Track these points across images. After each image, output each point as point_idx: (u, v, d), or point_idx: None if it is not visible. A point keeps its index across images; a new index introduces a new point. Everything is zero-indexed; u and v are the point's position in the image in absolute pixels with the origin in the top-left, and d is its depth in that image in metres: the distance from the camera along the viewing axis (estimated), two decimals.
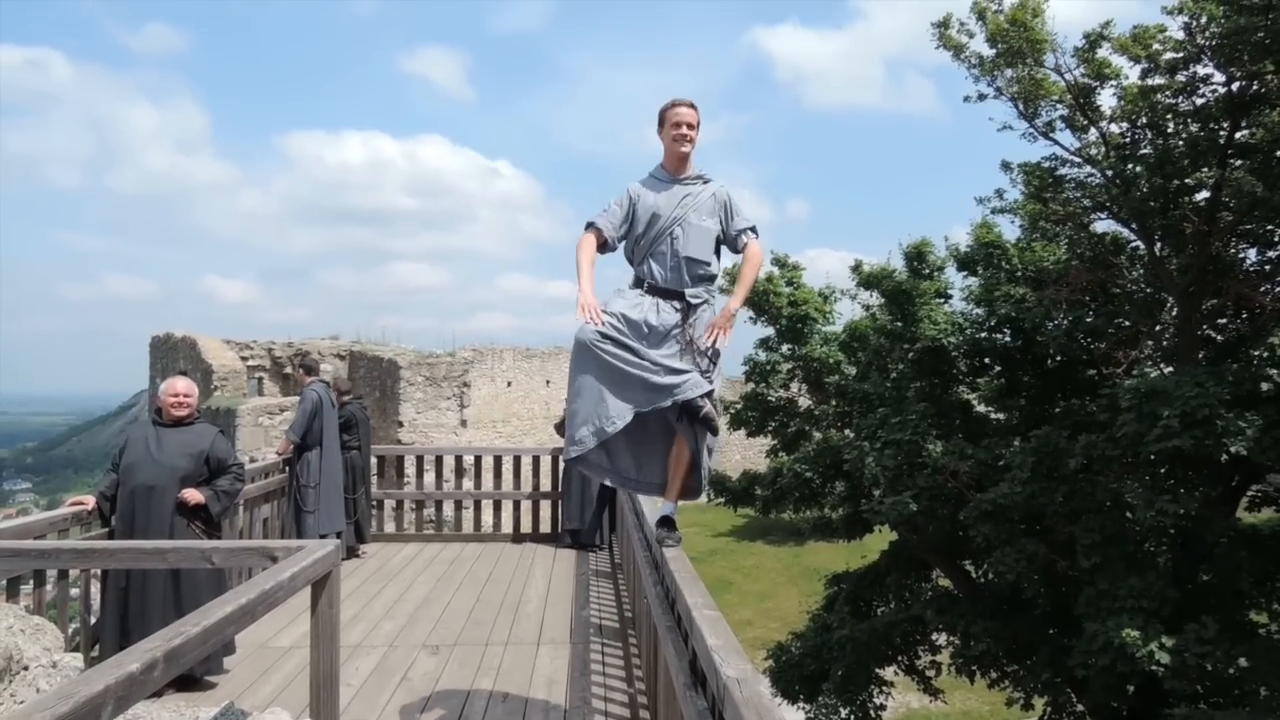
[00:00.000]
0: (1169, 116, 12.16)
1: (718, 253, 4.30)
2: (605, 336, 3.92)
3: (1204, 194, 11.96)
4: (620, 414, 3.92)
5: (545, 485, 10.24)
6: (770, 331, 17.36)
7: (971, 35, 13.21)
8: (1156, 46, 12.01)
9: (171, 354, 24.48)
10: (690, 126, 4.18)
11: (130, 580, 5.12)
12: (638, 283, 4.21)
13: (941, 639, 14.97)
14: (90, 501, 5.40)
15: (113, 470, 5.44)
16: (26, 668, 3.02)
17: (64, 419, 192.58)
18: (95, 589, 5.46)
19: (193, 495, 5.30)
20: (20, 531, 4.88)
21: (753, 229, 4.29)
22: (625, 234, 4.25)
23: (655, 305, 4.08)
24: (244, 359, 23.60)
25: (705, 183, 4.27)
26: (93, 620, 5.32)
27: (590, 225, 4.19)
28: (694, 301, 4.12)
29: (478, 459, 10.44)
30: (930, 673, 15.55)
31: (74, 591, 5.55)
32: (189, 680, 5.10)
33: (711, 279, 4.24)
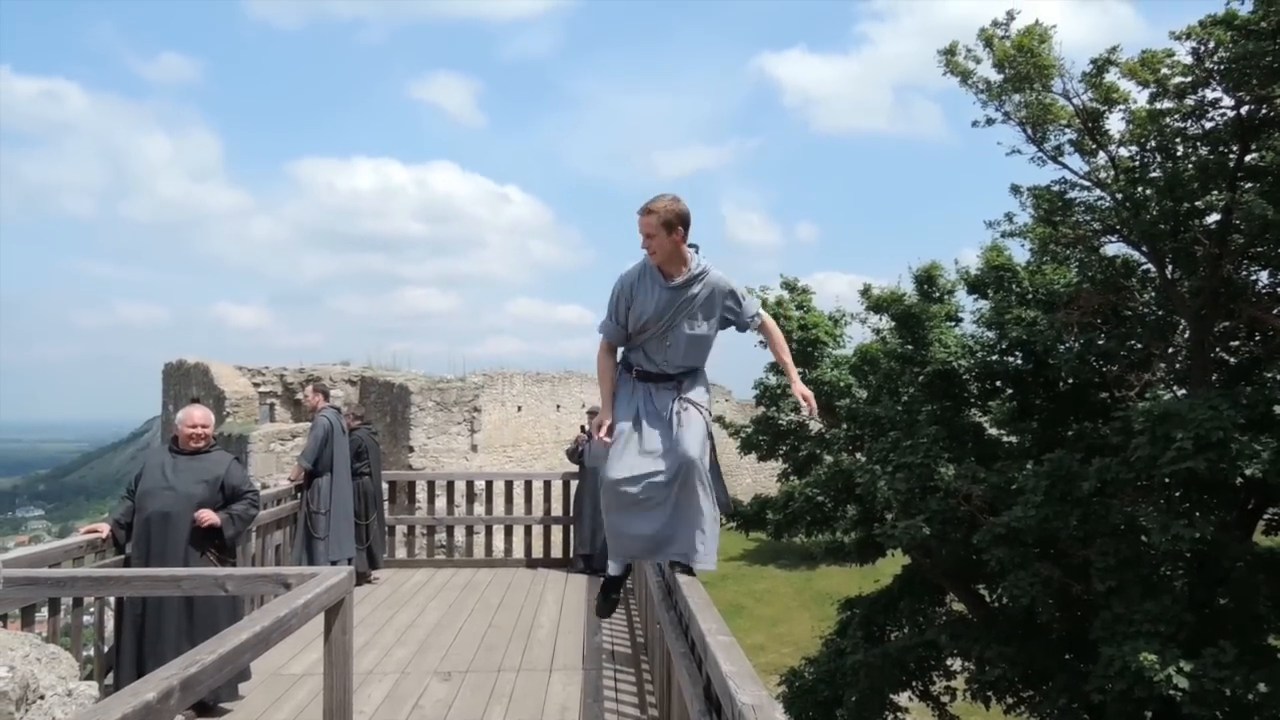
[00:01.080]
0: (1178, 140, 12.20)
1: (709, 346, 4.26)
2: (623, 480, 4.02)
3: (1214, 217, 11.97)
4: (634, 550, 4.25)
5: (556, 510, 10.23)
6: None
7: (978, 61, 13.29)
8: (1165, 71, 12.06)
9: (184, 380, 24.57)
10: (649, 236, 3.93)
11: (146, 607, 5.12)
12: (627, 367, 4.24)
13: (956, 664, 14.86)
14: (105, 529, 5.40)
15: (128, 497, 5.45)
16: (43, 696, 3.03)
17: (76, 446, 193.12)
18: (109, 616, 5.47)
19: (207, 516, 5.30)
20: (36, 560, 4.89)
21: (762, 308, 4.30)
22: (629, 335, 4.22)
23: (648, 391, 4.14)
24: (256, 385, 23.66)
25: (703, 280, 4.04)
26: (106, 648, 5.32)
27: (602, 336, 4.27)
28: (683, 380, 4.18)
29: (489, 484, 10.44)
30: (945, 698, 15.42)
31: (87, 619, 5.55)
32: (203, 707, 5.09)
33: (701, 370, 4.27)
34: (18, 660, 3.00)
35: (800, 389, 4.27)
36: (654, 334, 4.06)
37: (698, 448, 3.98)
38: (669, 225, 3.90)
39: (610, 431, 4.16)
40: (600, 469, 4.33)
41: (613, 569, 4.45)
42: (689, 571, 4.14)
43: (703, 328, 4.07)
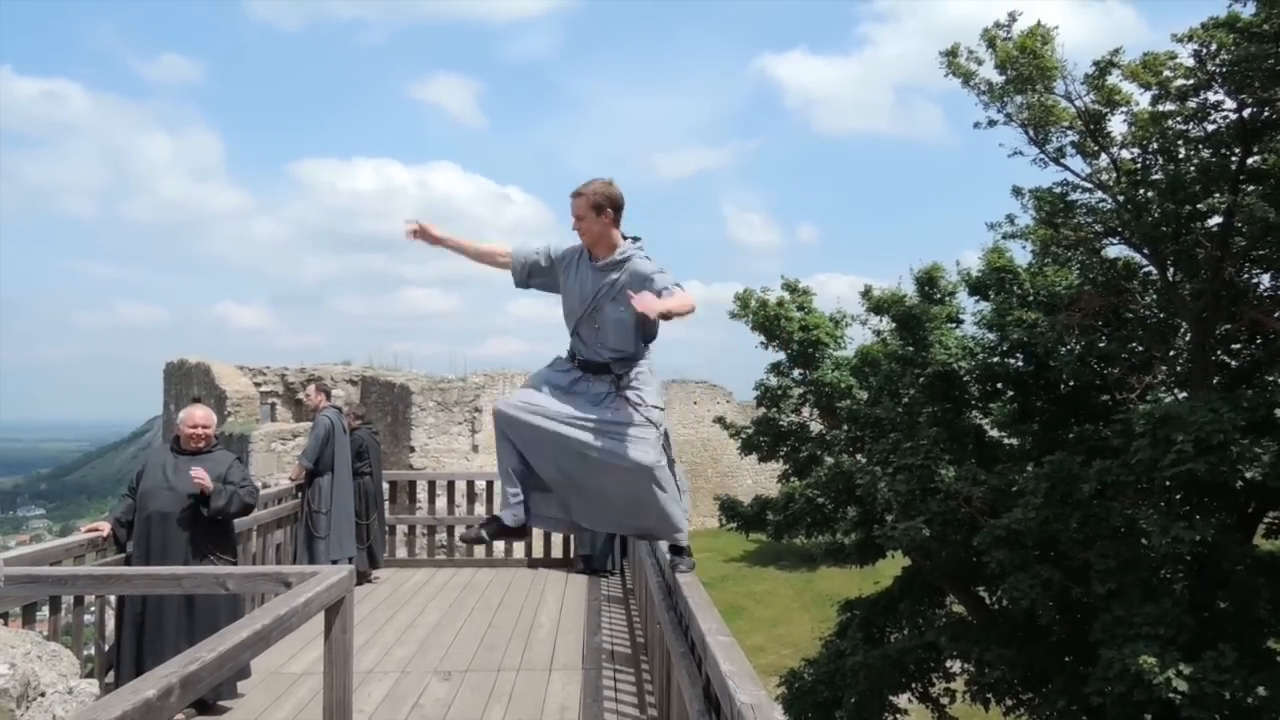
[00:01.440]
0: (1180, 142, 12.19)
1: (641, 335, 4.12)
2: (518, 407, 4.02)
3: (1216, 219, 11.97)
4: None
5: None
6: (781, 356, 17.37)
7: (980, 62, 13.29)
8: (1167, 73, 12.06)
9: (186, 380, 24.58)
10: (579, 218, 3.99)
11: (146, 606, 5.12)
12: (571, 356, 4.24)
13: (956, 666, 14.85)
14: (106, 528, 5.40)
15: (129, 495, 5.45)
16: (44, 694, 3.03)
17: (77, 445, 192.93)
18: (110, 615, 5.47)
19: (199, 472, 5.24)
20: (37, 558, 4.90)
21: (678, 284, 3.95)
22: (528, 277, 4.27)
23: (586, 377, 4.13)
24: (257, 385, 23.67)
25: (624, 265, 4.02)
26: (107, 646, 5.33)
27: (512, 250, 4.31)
28: (621, 373, 4.12)
29: (489, 484, 10.43)
30: (945, 700, 15.40)
31: (88, 618, 5.55)
32: (203, 705, 5.09)
33: (638, 358, 4.16)
34: (19, 658, 3.01)
35: (657, 303, 3.69)
36: (584, 316, 4.10)
37: (651, 455, 3.96)
38: (598, 208, 3.96)
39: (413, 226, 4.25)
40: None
41: (507, 519, 4.17)
42: (678, 555, 4.27)
43: (623, 312, 4.01)
